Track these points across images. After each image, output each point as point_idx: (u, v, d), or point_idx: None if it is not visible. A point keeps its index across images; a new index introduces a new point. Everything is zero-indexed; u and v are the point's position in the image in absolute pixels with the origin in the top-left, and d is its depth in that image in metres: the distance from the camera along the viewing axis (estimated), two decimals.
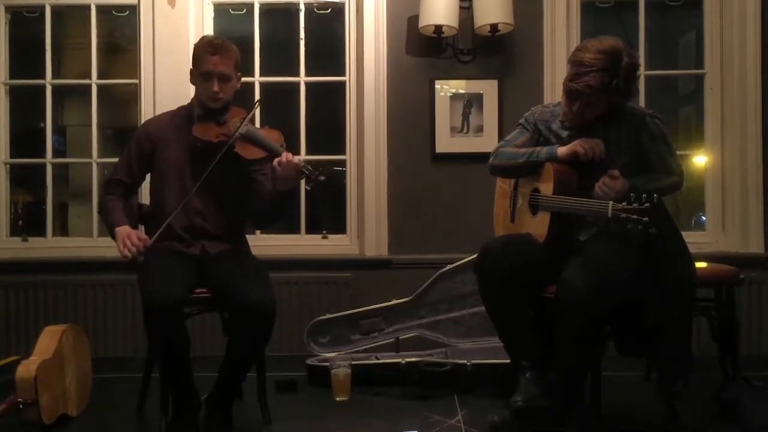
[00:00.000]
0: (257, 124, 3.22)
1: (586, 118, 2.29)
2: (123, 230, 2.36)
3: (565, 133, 2.38)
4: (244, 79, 2.62)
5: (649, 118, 2.31)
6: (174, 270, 2.30)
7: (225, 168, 2.38)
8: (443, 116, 3.66)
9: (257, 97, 3.74)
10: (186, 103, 2.63)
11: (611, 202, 2.04)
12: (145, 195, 2.81)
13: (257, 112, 2.50)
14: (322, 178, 2.29)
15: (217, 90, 2.43)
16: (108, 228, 2.46)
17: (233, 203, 2.52)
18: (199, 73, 2.45)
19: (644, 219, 1.95)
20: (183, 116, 2.57)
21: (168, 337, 2.20)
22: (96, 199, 3.84)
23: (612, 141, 2.30)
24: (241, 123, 2.43)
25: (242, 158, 2.42)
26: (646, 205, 1.96)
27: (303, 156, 3.75)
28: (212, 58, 2.41)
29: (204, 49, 2.43)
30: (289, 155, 2.31)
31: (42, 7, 3.82)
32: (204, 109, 2.49)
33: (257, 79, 3.77)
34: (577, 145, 2.27)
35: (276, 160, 2.32)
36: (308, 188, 2.33)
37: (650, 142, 2.29)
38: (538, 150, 2.35)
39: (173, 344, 2.22)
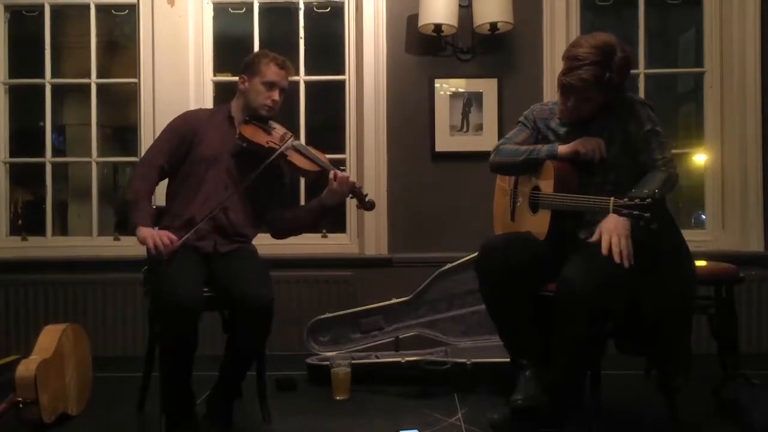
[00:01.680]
0: None
1: (581, 114, 2.29)
2: (148, 230, 2.37)
3: (562, 131, 2.38)
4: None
5: (639, 105, 2.30)
6: (190, 269, 2.32)
7: (264, 174, 2.47)
8: (443, 115, 3.66)
9: None
10: (222, 105, 2.72)
11: (612, 198, 2.04)
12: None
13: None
14: (371, 200, 2.57)
15: (277, 100, 2.59)
16: (131, 220, 2.42)
17: (257, 208, 2.60)
18: (263, 81, 2.56)
19: (646, 215, 1.94)
20: (221, 117, 2.64)
21: (184, 336, 2.21)
22: (96, 199, 3.85)
23: (605, 132, 2.29)
24: (293, 137, 2.57)
25: (293, 166, 2.54)
26: (647, 201, 1.95)
27: None
28: (281, 72, 2.59)
29: (272, 61, 2.57)
30: (344, 173, 2.51)
31: (41, 6, 3.82)
32: (250, 115, 2.58)
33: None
34: (579, 145, 2.26)
35: (332, 175, 2.50)
36: (357, 207, 2.60)
37: (637, 128, 2.27)
38: (539, 148, 2.35)
39: (187, 345, 2.23)
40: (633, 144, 2.27)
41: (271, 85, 2.56)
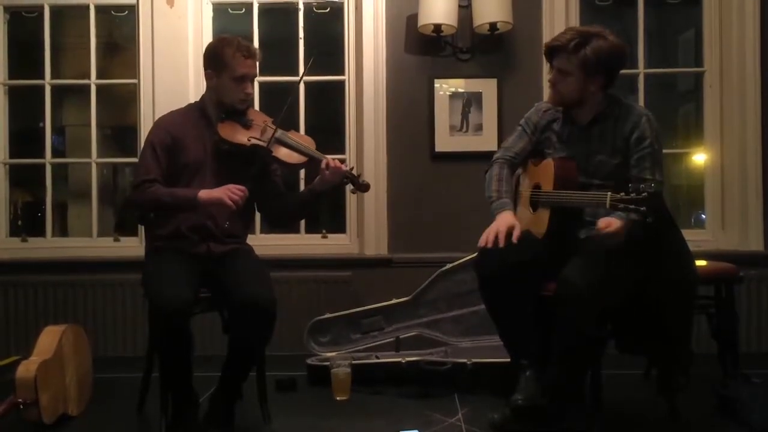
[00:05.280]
0: None
1: (563, 94, 2.30)
2: (212, 191, 2.29)
3: (565, 133, 2.39)
4: None
5: (646, 120, 2.29)
6: (180, 272, 2.29)
7: (255, 175, 2.39)
8: (442, 115, 3.66)
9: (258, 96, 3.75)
10: (194, 102, 2.60)
11: (609, 192, 2.04)
12: None
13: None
14: (365, 182, 2.49)
15: (251, 92, 2.47)
16: (181, 205, 2.34)
17: (245, 206, 2.47)
18: (232, 77, 2.40)
19: (642, 208, 1.95)
20: (196, 116, 2.51)
21: (174, 339, 2.20)
22: (95, 200, 3.85)
23: (606, 139, 2.30)
24: (276, 128, 2.45)
25: (281, 162, 2.46)
26: (643, 194, 1.96)
27: None
28: (247, 62, 2.41)
29: (237, 52, 2.39)
30: (334, 160, 2.43)
31: (41, 7, 3.81)
32: (225, 111, 2.46)
33: (256, 78, 3.76)
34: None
35: (324, 164, 2.42)
36: (352, 191, 2.51)
37: (636, 144, 2.27)
38: (494, 198, 2.41)
39: (178, 346, 2.22)
40: (630, 157, 2.29)
41: (242, 79, 2.41)
